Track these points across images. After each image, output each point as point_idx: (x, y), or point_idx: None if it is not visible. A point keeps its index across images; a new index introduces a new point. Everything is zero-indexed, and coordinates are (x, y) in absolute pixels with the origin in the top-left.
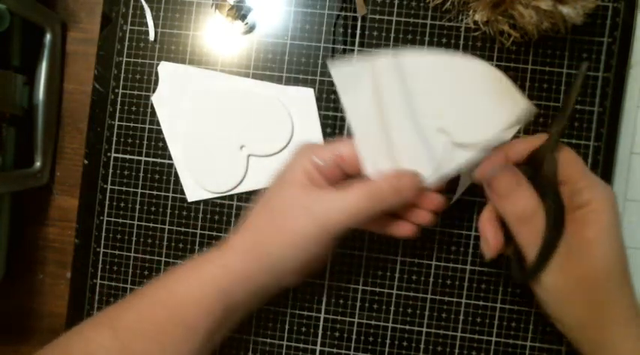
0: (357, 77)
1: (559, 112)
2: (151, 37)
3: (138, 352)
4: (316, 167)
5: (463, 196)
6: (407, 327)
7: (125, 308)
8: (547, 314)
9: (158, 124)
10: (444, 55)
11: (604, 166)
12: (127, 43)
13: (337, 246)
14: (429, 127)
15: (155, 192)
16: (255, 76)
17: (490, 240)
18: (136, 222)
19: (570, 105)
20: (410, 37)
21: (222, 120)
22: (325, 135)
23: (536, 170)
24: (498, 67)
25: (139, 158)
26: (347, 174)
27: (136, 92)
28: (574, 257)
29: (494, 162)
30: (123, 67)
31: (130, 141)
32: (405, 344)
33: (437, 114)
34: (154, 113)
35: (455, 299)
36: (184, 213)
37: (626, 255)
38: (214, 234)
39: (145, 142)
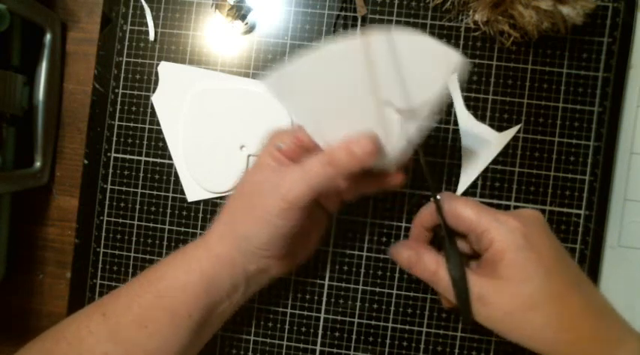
0: (291, 79)
1: (429, 183)
2: (151, 37)
3: (125, 337)
4: (279, 150)
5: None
6: (407, 327)
7: (118, 295)
8: None
9: (158, 124)
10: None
11: (604, 166)
12: (127, 43)
13: (306, 218)
14: (376, 103)
15: (155, 192)
16: (255, 76)
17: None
18: (136, 222)
19: (426, 171)
20: None
21: (222, 120)
22: None
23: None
24: (498, 67)
25: (139, 158)
26: (311, 153)
27: (136, 92)
28: (492, 297)
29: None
30: (123, 67)
31: (130, 141)
32: (405, 344)
33: (382, 89)
34: (154, 113)
35: None
36: (184, 213)
37: (555, 275)
38: None
39: (145, 142)
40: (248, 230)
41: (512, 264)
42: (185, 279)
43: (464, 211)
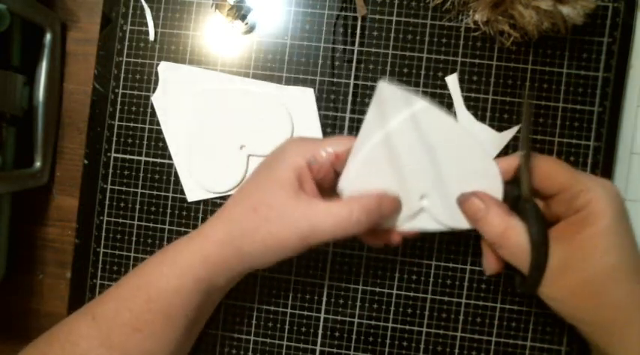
0: (394, 107)
1: (522, 135)
2: (151, 37)
3: (118, 341)
4: (309, 166)
5: None
6: (407, 327)
7: (107, 299)
8: (562, 317)
9: (158, 124)
10: (454, 122)
11: (604, 166)
12: (127, 43)
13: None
14: (415, 186)
15: (155, 192)
16: (255, 76)
17: (489, 258)
18: (136, 222)
19: (527, 130)
20: (410, 37)
21: (222, 120)
22: (325, 135)
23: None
24: (498, 67)
25: (139, 158)
26: (337, 173)
27: (136, 92)
28: (573, 263)
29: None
30: (123, 67)
31: (130, 141)
32: (405, 344)
33: (426, 178)
34: (154, 113)
35: (455, 299)
36: (184, 213)
37: (637, 250)
38: None
39: (145, 142)
40: (255, 251)
41: (606, 231)
42: (178, 284)
43: (558, 168)
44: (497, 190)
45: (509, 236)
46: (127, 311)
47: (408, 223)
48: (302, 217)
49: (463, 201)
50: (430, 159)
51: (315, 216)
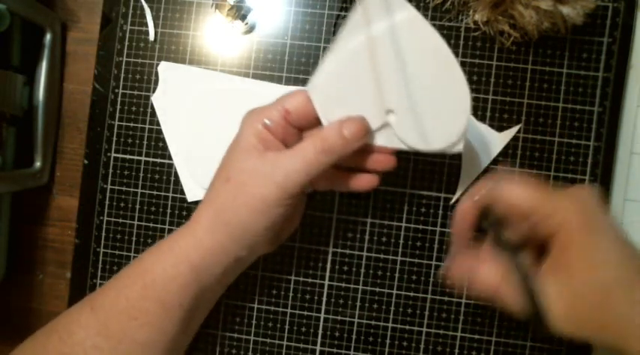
0: (379, 11)
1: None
2: (151, 37)
3: (115, 329)
4: (266, 128)
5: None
6: (407, 327)
7: (106, 289)
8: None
9: (158, 124)
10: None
11: (604, 166)
12: (127, 43)
13: (299, 203)
14: (383, 99)
15: (155, 192)
16: (255, 76)
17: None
18: (136, 222)
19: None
20: None
21: (222, 121)
22: None
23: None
24: (498, 67)
25: (139, 158)
26: (299, 128)
27: (136, 92)
28: (572, 293)
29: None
30: (123, 67)
31: (130, 141)
32: (405, 344)
33: (396, 92)
34: (154, 113)
35: (455, 299)
36: (184, 213)
37: (631, 255)
38: None
39: (145, 142)
40: (243, 220)
41: (583, 251)
42: (174, 272)
43: (521, 195)
44: (463, 112)
45: (503, 290)
46: (124, 300)
47: (371, 138)
48: (273, 169)
49: (447, 276)
50: (404, 74)
51: (283, 162)
